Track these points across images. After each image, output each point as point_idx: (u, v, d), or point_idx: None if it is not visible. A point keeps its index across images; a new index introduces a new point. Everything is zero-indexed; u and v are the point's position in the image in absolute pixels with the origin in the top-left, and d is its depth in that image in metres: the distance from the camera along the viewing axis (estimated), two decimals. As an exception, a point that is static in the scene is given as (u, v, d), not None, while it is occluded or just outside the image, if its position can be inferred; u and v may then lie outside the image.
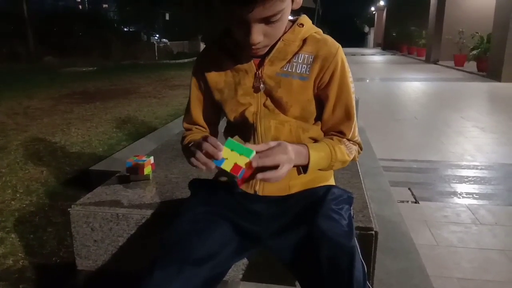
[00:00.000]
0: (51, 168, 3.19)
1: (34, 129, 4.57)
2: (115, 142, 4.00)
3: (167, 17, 27.40)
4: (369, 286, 0.84)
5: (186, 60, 18.58)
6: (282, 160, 0.84)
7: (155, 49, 21.77)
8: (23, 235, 2.09)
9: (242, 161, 0.81)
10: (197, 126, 1.13)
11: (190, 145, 0.98)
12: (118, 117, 5.23)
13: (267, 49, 0.93)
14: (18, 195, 2.64)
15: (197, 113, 1.11)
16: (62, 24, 18.99)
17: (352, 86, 1.00)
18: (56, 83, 9.09)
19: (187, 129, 1.15)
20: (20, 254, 1.90)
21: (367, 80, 10.11)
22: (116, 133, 4.41)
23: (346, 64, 0.99)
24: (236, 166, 0.82)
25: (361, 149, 1.07)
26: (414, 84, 9.27)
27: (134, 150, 3.11)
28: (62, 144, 3.94)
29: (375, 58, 21.37)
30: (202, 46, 23.42)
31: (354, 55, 21.69)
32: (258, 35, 0.85)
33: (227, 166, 0.82)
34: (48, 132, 4.42)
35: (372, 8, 40.30)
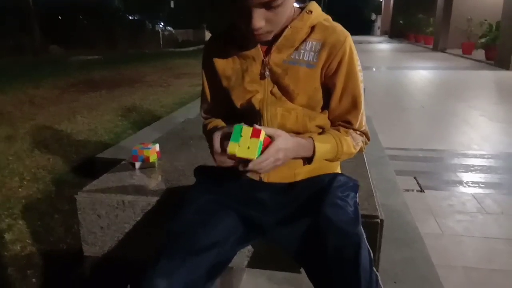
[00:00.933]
0: (58, 156, 3.21)
1: (40, 118, 4.59)
2: (120, 131, 4.01)
3: (172, 5, 27.24)
4: (375, 273, 0.84)
5: (191, 49, 18.50)
6: (270, 152, 0.84)
7: (160, 38, 21.70)
8: (30, 222, 2.11)
9: (255, 144, 0.81)
10: (213, 114, 1.14)
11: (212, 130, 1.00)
12: (123, 106, 5.24)
13: (271, 35, 0.92)
14: (25, 183, 2.66)
15: (211, 101, 1.11)
16: (67, 14, 18.95)
17: (360, 75, 0.99)
18: (62, 73, 9.09)
19: (206, 118, 1.15)
20: (27, 241, 1.93)
21: (374, 69, 10.02)
22: (122, 121, 4.42)
23: (355, 53, 0.97)
24: (250, 151, 0.81)
25: (368, 139, 1.06)
26: (421, 73, 9.18)
27: (139, 138, 3.12)
28: (68, 132, 3.97)
29: (381, 46, 21.15)
30: (207, 34, 23.30)
31: (361, 43, 21.46)
32: (259, 20, 0.84)
33: (241, 152, 0.81)
34: (55, 121, 4.44)
35: (379, -4, 39.77)
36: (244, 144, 0.81)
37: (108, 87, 6.94)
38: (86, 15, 19.42)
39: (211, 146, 0.90)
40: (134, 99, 5.78)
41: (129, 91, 6.47)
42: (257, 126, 0.82)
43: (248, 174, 0.91)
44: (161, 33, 22.69)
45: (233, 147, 0.81)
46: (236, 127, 0.82)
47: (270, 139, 0.85)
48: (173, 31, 25.91)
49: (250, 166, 0.82)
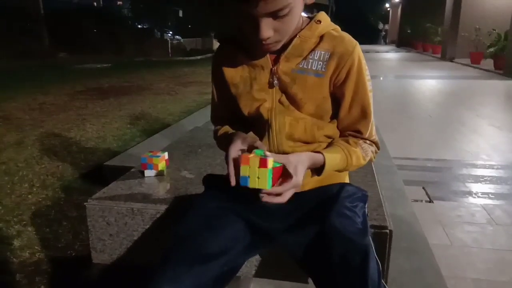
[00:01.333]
0: (67, 163, 3.23)
1: (49, 125, 4.64)
2: (129, 138, 4.04)
3: (180, 14, 27.51)
4: (383, 284, 0.83)
5: (199, 57, 18.62)
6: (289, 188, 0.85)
7: (168, 46, 21.87)
8: (39, 228, 2.13)
9: (264, 174, 0.79)
10: (224, 122, 1.14)
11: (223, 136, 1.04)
12: (132, 114, 5.28)
13: (279, 45, 0.93)
14: (34, 189, 2.68)
15: (222, 108, 1.12)
16: (76, 21, 19.19)
17: (369, 84, 0.99)
18: (70, 80, 9.19)
19: (216, 125, 1.17)
20: (36, 247, 1.94)
21: (381, 78, 10.01)
22: (130, 129, 4.45)
23: (363, 62, 0.98)
24: (261, 181, 0.80)
25: (378, 148, 1.06)
26: (429, 82, 9.15)
27: (148, 146, 3.13)
28: (77, 139, 4.00)
29: (389, 55, 21.14)
30: (215, 43, 23.45)
31: (368, 52, 21.47)
32: (267, 30, 0.85)
33: (253, 183, 0.80)
34: (64, 128, 4.48)
35: (387, 5, 39.85)
36: (253, 175, 0.80)
37: (116, 94, 7.01)
38: (94, 23, 19.64)
39: (224, 148, 0.92)
40: (142, 107, 5.82)
41: (137, 99, 6.52)
42: (267, 153, 0.82)
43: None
44: (169, 41, 22.89)
45: (244, 181, 0.81)
46: (243, 158, 0.80)
47: (284, 167, 0.85)
48: (182, 40, 26.13)
49: (267, 198, 0.83)
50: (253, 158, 0.80)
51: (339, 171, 1.00)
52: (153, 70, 12.05)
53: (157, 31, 25.83)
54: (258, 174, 0.79)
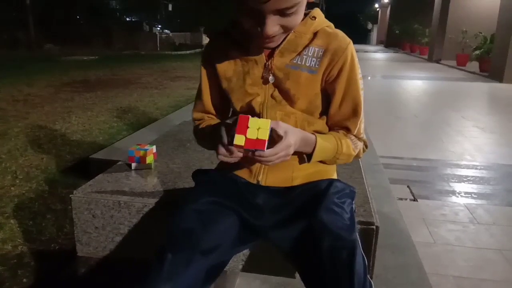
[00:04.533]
0: (51, 156, 3.19)
1: (34, 117, 4.56)
2: (115, 132, 4.00)
3: (170, 8, 27.28)
4: (369, 280, 0.84)
5: (188, 52, 18.51)
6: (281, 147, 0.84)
7: (157, 40, 21.69)
8: (22, 221, 2.09)
9: (264, 134, 0.80)
10: (208, 115, 1.13)
11: (207, 131, 1.02)
12: (119, 107, 5.23)
13: (279, 41, 0.93)
14: (17, 181, 2.64)
15: (208, 102, 1.11)
16: (64, 12, 18.88)
17: (361, 82, 1.00)
18: (57, 71, 9.06)
19: (198, 119, 1.14)
20: (19, 240, 1.91)
21: (369, 77, 10.09)
22: (117, 122, 4.40)
23: (356, 60, 0.98)
24: (259, 142, 0.80)
25: (366, 146, 1.07)
26: (416, 83, 9.27)
27: (134, 139, 3.10)
28: (62, 132, 3.94)
29: (377, 55, 21.31)
30: (204, 37, 23.34)
31: (357, 51, 21.53)
32: (273, 26, 0.84)
33: (249, 144, 0.81)
34: (49, 120, 4.42)
35: (376, 5, 40.13)
36: (252, 135, 0.80)
37: (103, 87, 6.92)
38: (82, 14, 19.36)
39: (211, 141, 0.90)
40: (129, 100, 5.77)
41: (124, 92, 6.45)
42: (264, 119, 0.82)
43: (245, 176, 0.91)
44: (158, 35, 22.68)
45: (240, 139, 0.80)
46: (241, 117, 0.81)
47: (277, 132, 0.85)
48: (170, 34, 25.93)
49: (262, 159, 0.82)
50: (253, 118, 0.81)
51: (330, 160, 1.00)
52: (141, 63, 11.94)
53: (146, 24, 25.57)
54: (257, 134, 0.80)
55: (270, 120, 0.82)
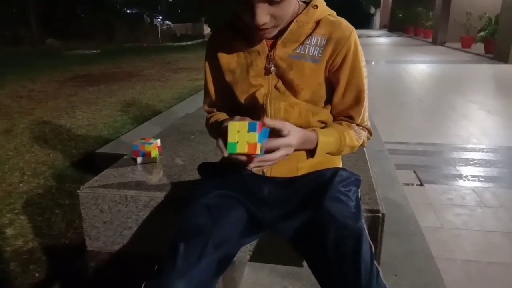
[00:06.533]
0: (57, 151, 3.21)
1: (39, 112, 4.58)
2: (120, 125, 4.01)
3: (170, -1, 27.09)
4: (376, 267, 0.85)
5: (189, 43, 18.43)
6: (279, 143, 0.84)
7: (158, 32, 21.60)
8: (31, 216, 2.12)
9: (253, 138, 0.78)
10: (217, 109, 1.13)
11: (214, 124, 1.02)
12: (122, 100, 5.24)
13: (276, 30, 0.92)
14: (25, 178, 2.67)
15: (215, 95, 1.11)
16: (65, 6, 18.82)
17: (364, 70, 0.99)
18: (60, 66, 9.07)
19: (209, 112, 1.15)
20: (29, 236, 1.93)
21: (373, 63, 10.01)
22: (121, 116, 4.42)
23: (360, 48, 0.98)
24: (250, 146, 0.78)
25: (370, 134, 1.06)
26: (420, 67, 9.18)
27: (139, 133, 3.12)
28: (67, 127, 3.96)
29: (380, 40, 21.09)
30: (206, 28, 23.21)
31: (360, 36, 21.11)
32: (263, 16, 0.84)
33: (241, 149, 0.78)
34: (53, 115, 4.44)
35: (378, -11, 39.54)
36: (243, 140, 0.78)
37: (106, 81, 6.93)
38: (84, 8, 19.29)
39: (216, 139, 0.89)
40: (132, 93, 5.78)
41: (127, 86, 6.45)
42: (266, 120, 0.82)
43: (254, 170, 0.91)
44: (159, 27, 22.58)
45: (232, 148, 0.78)
46: (230, 125, 0.79)
47: (279, 132, 0.84)
48: (171, 25, 25.80)
49: (258, 161, 0.82)
50: (240, 123, 0.78)
51: (333, 153, 1.00)
52: (143, 56, 11.92)
53: (146, 16, 25.44)
54: (247, 138, 0.78)
55: (247, 122, 0.79)
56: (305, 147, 0.94)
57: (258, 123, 0.79)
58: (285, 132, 0.85)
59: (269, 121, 0.84)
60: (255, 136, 0.77)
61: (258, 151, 0.78)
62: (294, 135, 0.86)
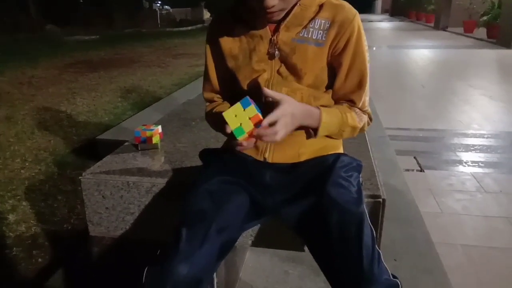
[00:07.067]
0: (59, 138, 3.21)
1: (39, 99, 4.57)
2: (120, 112, 4.01)
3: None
4: (377, 250, 0.86)
5: (189, 28, 18.27)
6: (278, 114, 0.84)
7: (157, 17, 21.39)
8: (34, 203, 2.13)
9: (252, 111, 0.82)
10: (218, 96, 1.13)
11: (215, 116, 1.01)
12: (122, 87, 5.22)
13: (283, 13, 0.91)
14: (27, 164, 2.67)
15: (216, 81, 1.10)
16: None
17: (367, 55, 0.98)
18: (59, 52, 9.01)
19: (209, 100, 1.14)
20: (32, 221, 1.95)
21: (374, 48, 9.93)
22: (121, 102, 4.41)
23: (362, 32, 0.97)
24: (253, 118, 0.82)
25: (370, 119, 1.06)
26: (422, 52, 9.11)
27: (140, 119, 3.11)
28: (68, 113, 3.96)
29: (382, 24, 20.89)
30: (205, 13, 22.97)
31: (362, 21, 21.15)
32: None
33: (247, 127, 0.82)
34: (54, 102, 4.43)
35: (380, -28, 39.00)
36: (244, 119, 0.82)
37: (106, 67, 6.89)
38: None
39: (220, 129, 0.91)
40: (132, 79, 5.75)
41: (127, 72, 6.42)
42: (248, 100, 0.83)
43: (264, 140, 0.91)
44: (158, 12, 22.35)
45: (239, 132, 0.82)
46: (225, 115, 0.82)
47: (276, 103, 0.85)
48: (171, 10, 25.53)
49: (266, 133, 0.82)
50: (233, 107, 0.82)
51: (335, 134, 0.99)
52: (143, 42, 11.83)
53: (145, 1, 25.16)
54: (247, 114, 0.82)
55: (238, 103, 0.82)
56: (307, 122, 0.93)
57: (247, 97, 0.83)
58: (283, 103, 0.85)
59: (269, 91, 0.86)
60: (252, 109, 0.82)
61: (262, 117, 0.82)
62: (290, 104, 0.87)
